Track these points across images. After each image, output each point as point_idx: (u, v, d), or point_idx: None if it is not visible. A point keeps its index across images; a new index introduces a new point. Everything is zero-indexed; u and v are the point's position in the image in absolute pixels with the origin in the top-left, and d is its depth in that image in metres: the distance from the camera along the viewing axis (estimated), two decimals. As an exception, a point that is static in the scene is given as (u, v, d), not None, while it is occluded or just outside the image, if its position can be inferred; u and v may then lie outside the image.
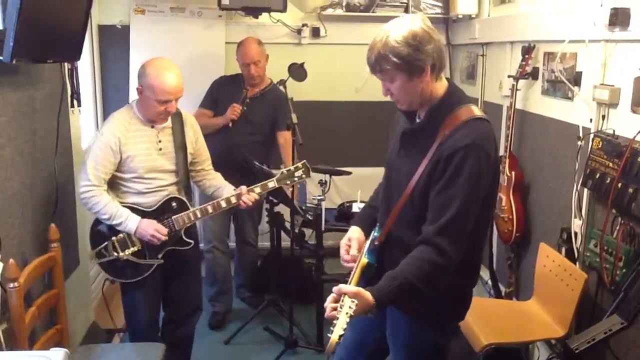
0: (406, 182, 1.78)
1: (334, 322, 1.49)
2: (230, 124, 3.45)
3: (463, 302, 1.93)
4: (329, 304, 1.59)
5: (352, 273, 1.84)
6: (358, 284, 1.72)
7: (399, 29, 1.68)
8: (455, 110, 1.75)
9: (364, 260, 1.84)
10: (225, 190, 2.72)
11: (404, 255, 1.73)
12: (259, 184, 2.68)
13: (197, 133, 2.74)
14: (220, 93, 3.61)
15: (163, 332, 2.83)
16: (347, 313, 1.50)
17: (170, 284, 2.72)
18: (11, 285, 2.05)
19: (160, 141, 2.56)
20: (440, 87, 1.79)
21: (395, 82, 1.72)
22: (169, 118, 2.58)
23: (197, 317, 2.92)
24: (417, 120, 1.85)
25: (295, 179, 2.73)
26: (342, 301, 1.54)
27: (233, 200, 2.62)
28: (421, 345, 1.92)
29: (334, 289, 1.60)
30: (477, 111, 1.77)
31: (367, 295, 1.59)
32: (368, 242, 1.95)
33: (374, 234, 1.93)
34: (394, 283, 1.65)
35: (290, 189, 3.18)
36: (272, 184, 2.69)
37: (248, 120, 3.50)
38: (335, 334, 1.46)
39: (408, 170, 1.79)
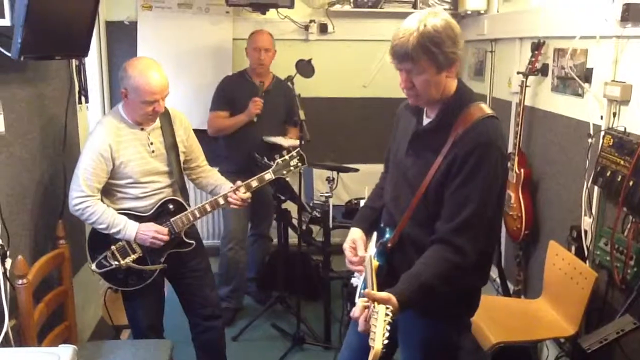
0: (418, 182, 1.76)
1: (372, 330, 1.42)
2: (255, 119, 3.44)
3: (474, 299, 1.91)
4: (361, 315, 1.54)
5: (364, 276, 1.81)
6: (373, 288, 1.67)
7: (434, 19, 1.64)
8: (467, 108, 1.73)
9: (375, 262, 1.80)
10: (223, 187, 2.65)
11: (415, 255, 1.71)
12: (256, 177, 2.60)
13: (187, 130, 2.63)
14: (234, 91, 3.57)
15: (192, 337, 2.79)
16: (385, 320, 1.44)
17: (180, 287, 2.69)
18: (20, 281, 2.06)
19: (151, 143, 2.46)
20: (453, 84, 1.77)
21: (423, 74, 1.67)
22: (157, 118, 2.48)
23: (222, 321, 2.82)
24: (425, 118, 1.83)
25: (291, 168, 2.64)
26: (374, 308, 1.48)
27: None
28: (434, 341, 1.90)
29: (365, 293, 1.55)
30: (487, 109, 1.76)
31: (394, 299, 1.55)
32: (373, 243, 1.93)
33: (386, 235, 1.89)
34: (414, 284, 1.62)
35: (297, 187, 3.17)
36: (268, 175, 2.60)
37: (271, 114, 3.49)
38: (379, 343, 1.39)
39: (419, 170, 1.76)
